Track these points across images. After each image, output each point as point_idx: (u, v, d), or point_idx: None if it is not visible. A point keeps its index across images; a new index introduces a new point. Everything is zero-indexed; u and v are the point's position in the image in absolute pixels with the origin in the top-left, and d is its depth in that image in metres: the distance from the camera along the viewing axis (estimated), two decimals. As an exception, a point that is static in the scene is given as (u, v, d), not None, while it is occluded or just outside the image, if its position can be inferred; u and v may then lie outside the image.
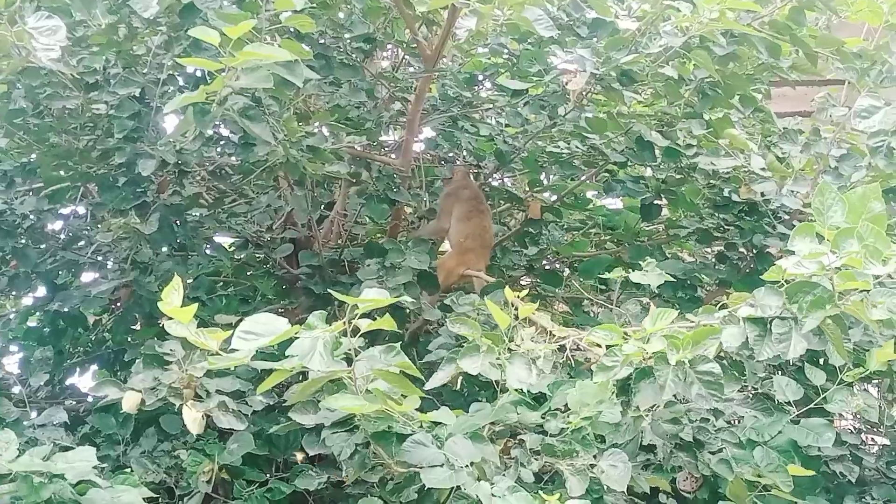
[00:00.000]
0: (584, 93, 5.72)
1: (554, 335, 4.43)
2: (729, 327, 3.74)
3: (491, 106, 6.51)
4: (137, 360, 4.74)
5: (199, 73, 5.54)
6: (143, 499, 4.42)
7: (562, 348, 4.35)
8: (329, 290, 4.14)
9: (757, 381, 5.20)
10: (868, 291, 3.49)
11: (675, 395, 3.95)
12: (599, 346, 4.14)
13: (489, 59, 6.45)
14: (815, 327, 3.59)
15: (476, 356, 4.06)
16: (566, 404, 4.20)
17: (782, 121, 6.40)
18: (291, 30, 4.56)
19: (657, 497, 4.77)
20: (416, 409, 3.91)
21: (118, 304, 6.58)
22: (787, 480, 4.39)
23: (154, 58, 5.31)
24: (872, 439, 6.12)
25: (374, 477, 4.29)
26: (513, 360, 4.10)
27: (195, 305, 3.76)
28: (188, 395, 4.37)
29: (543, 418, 4.17)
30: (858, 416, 5.59)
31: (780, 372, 5.31)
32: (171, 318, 3.79)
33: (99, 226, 6.16)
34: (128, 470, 4.78)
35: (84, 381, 6.78)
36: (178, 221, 5.96)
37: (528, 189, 7.14)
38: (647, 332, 3.85)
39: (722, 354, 3.89)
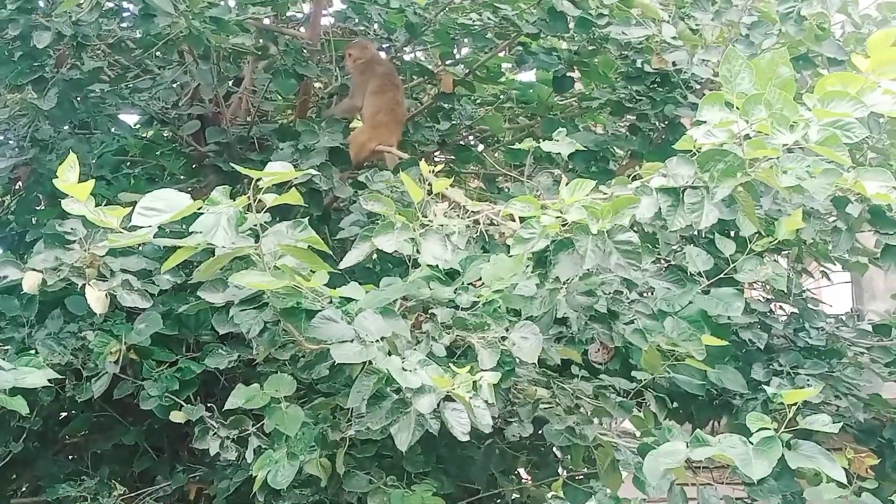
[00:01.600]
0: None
1: (468, 210, 4.37)
2: (643, 198, 3.71)
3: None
4: (39, 241, 4.64)
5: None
6: (49, 380, 4.36)
7: (476, 223, 4.30)
8: (234, 166, 4.04)
9: (669, 253, 5.22)
10: (777, 158, 3.48)
11: (589, 268, 3.93)
12: (514, 220, 4.09)
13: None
14: (726, 196, 3.57)
15: (390, 233, 3.99)
16: (479, 279, 4.17)
17: (695, -11, 6.32)
18: None
19: (569, 369, 4.80)
20: (326, 285, 3.85)
21: (19, 185, 6.40)
22: (699, 349, 4.42)
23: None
24: (781, 307, 6.21)
25: (285, 354, 4.26)
26: (427, 236, 4.04)
27: (92, 182, 3.63)
28: (91, 274, 4.27)
29: (456, 293, 4.14)
30: (767, 286, 5.65)
31: (691, 243, 5.33)
32: (69, 196, 3.67)
33: (-3, 102, 5.97)
34: (32, 352, 4.69)
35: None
36: (78, 97, 5.79)
37: (439, 62, 7.02)
38: (565, 202, 3.80)
39: (634, 227, 3.87)
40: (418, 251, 4.05)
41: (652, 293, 4.97)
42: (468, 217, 4.30)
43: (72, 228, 4.38)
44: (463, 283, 4.20)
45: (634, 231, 3.85)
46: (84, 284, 4.25)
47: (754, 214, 3.83)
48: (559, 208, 3.80)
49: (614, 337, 4.60)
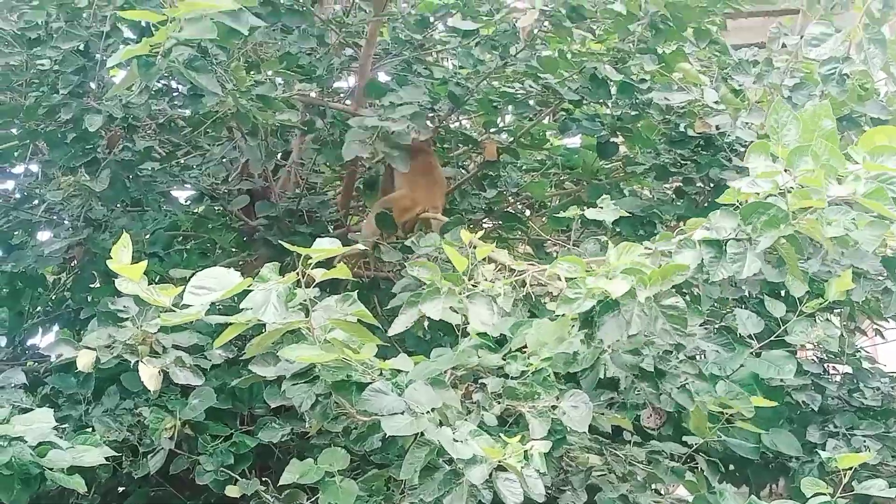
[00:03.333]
0: (533, 30, 5.66)
1: (514, 270, 4.39)
2: (685, 251, 3.72)
3: (443, 48, 6.43)
4: (93, 319, 4.71)
5: (143, 24, 5.43)
6: (106, 458, 4.41)
7: (522, 284, 4.31)
8: (281, 242, 4.09)
9: (720, 317, 5.21)
10: (822, 210, 3.48)
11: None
12: (560, 279, 4.10)
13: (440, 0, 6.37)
14: (770, 248, 3.58)
15: (437, 299, 4.01)
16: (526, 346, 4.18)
17: (738, 52, 6.36)
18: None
19: (621, 435, 4.78)
20: (377, 357, 3.89)
21: (74, 263, 6.50)
22: (748, 408, 4.40)
23: (97, 10, 5.21)
24: (834, 368, 6.16)
25: (338, 427, 4.26)
26: (474, 301, 4.05)
27: (144, 262, 3.71)
28: (144, 351, 4.33)
29: (504, 360, 4.15)
30: (819, 347, 5.61)
31: (741, 306, 5.31)
32: (122, 276, 3.74)
33: (50, 184, 6.08)
34: (89, 430, 4.75)
35: (45, 341, 6.71)
36: (129, 177, 5.89)
37: (483, 130, 7.09)
38: (611, 265, 3.81)
39: (683, 290, 3.87)
40: (466, 319, 4.07)
41: (703, 356, 4.97)
42: (514, 277, 4.32)
43: (124, 306, 4.45)
44: (511, 351, 4.22)
45: (683, 294, 3.86)
46: (137, 361, 4.31)
47: (798, 269, 3.82)
48: (606, 272, 3.82)
49: (663, 399, 4.58)
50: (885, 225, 3.56)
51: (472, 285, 4.07)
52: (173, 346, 4.47)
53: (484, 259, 4.27)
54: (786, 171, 3.50)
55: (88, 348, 4.37)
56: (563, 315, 3.87)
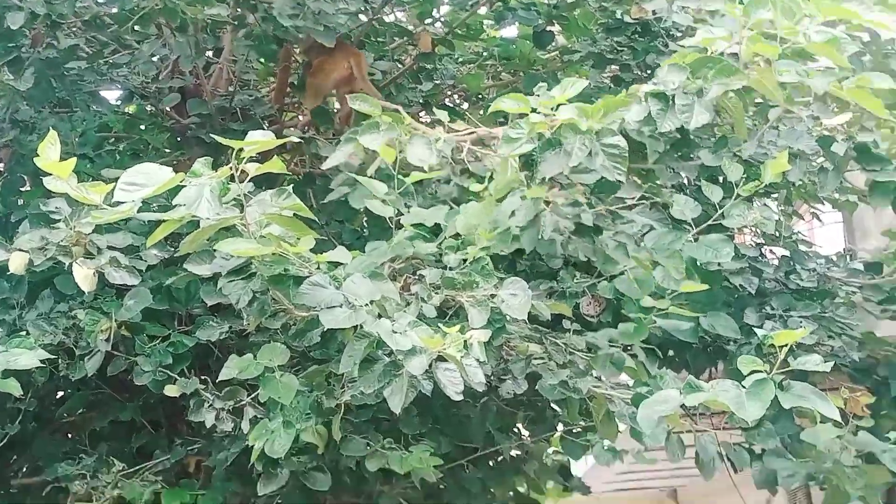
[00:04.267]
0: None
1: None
2: (633, 105, 3.71)
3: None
4: (25, 221, 4.61)
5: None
6: (42, 361, 4.36)
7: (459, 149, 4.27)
8: (214, 137, 4.01)
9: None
10: (776, 60, 3.50)
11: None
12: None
13: None
14: (716, 101, 3.60)
15: (376, 133, 3.99)
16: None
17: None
18: None
19: (561, 325, 4.79)
20: (313, 251, 3.84)
21: (2, 166, 6.36)
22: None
23: None
24: (771, 251, 6.20)
25: (276, 324, 4.24)
26: (413, 141, 4.03)
27: (74, 159, 3.61)
28: (78, 252, 4.24)
29: (439, 249, 4.12)
30: (756, 230, 5.64)
31: (679, 191, 5.31)
32: (51, 175, 3.64)
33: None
34: (24, 333, 4.68)
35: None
36: (56, 76, 5.75)
37: (418, 22, 6.98)
38: (555, 100, 3.78)
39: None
40: (399, 212, 4.03)
41: (642, 241, 4.98)
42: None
43: (56, 207, 4.35)
44: (446, 239, 4.19)
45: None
46: (71, 263, 4.22)
47: (743, 123, 3.86)
48: (550, 105, 3.79)
49: (601, 287, 4.60)
50: (835, 73, 3.59)
51: (413, 128, 4.04)
52: (108, 247, 4.38)
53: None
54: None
55: (21, 251, 4.27)
56: (489, 195, 3.86)
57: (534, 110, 3.81)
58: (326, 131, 5.95)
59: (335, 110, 6.53)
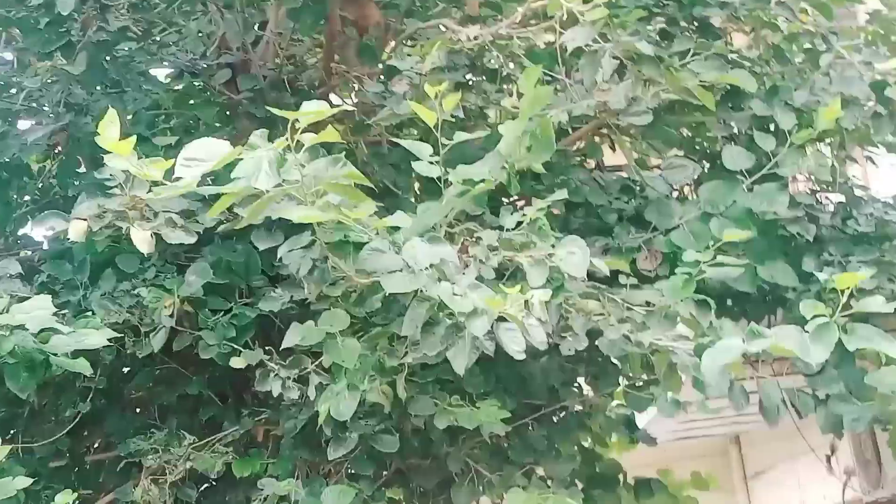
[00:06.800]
0: None
1: None
2: None
3: None
4: (82, 193, 4.66)
5: None
6: (109, 339, 4.44)
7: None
8: (269, 109, 4.05)
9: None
10: None
11: None
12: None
13: None
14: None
15: None
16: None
17: None
18: None
19: (617, 279, 4.80)
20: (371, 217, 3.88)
21: (59, 150, 6.45)
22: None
23: None
24: (827, 198, 6.16)
25: (337, 291, 4.29)
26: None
27: (134, 137, 3.67)
28: (134, 216, 4.27)
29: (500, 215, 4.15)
30: (811, 178, 5.60)
31: (731, 142, 5.29)
32: (110, 153, 3.70)
33: (27, 70, 5.99)
34: (90, 313, 4.77)
35: (36, 230, 6.68)
36: (107, 58, 5.80)
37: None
38: None
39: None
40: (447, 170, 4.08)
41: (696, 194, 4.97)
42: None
43: (111, 175, 4.38)
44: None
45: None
46: (129, 228, 4.25)
47: None
48: None
49: (657, 241, 4.61)
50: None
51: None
52: (163, 210, 4.43)
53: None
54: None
55: (79, 219, 4.33)
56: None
57: None
58: (373, 69, 5.97)
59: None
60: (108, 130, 3.64)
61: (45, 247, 5.81)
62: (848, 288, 3.53)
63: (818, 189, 5.77)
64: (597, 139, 5.96)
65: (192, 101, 6.82)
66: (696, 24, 5.92)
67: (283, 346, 4.60)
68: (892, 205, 5.88)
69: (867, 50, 5.28)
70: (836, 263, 5.12)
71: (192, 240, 4.47)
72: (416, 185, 5.90)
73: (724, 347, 3.70)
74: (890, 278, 5.07)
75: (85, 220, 4.33)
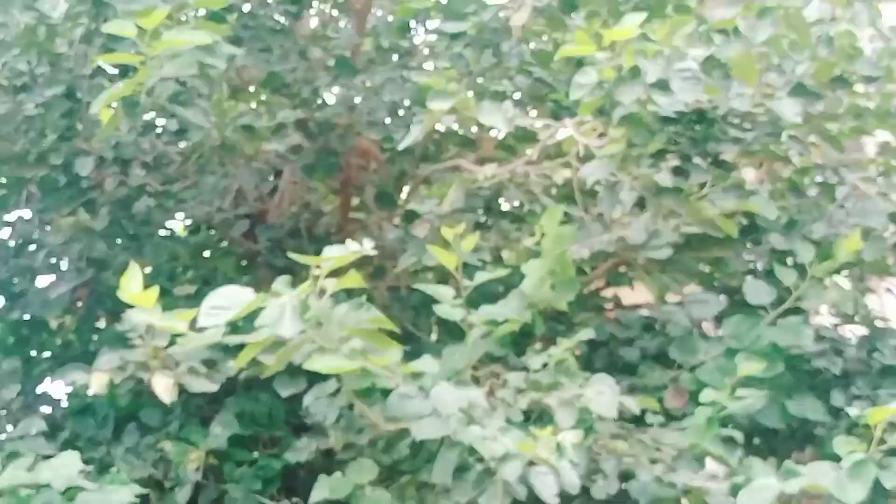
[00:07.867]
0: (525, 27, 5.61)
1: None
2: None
3: (430, 52, 6.39)
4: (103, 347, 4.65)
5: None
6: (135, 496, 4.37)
7: None
8: (293, 256, 4.06)
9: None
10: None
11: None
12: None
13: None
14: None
15: (445, 97, 4.11)
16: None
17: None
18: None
19: (643, 418, 4.75)
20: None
21: (79, 305, 6.46)
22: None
23: (77, 51, 5.18)
24: (850, 331, 6.13)
25: (363, 439, 4.25)
26: (482, 104, 4.34)
27: (156, 288, 3.69)
28: (156, 366, 4.25)
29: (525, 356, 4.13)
30: (832, 311, 5.59)
31: (751, 276, 5.29)
32: (133, 307, 3.71)
33: (48, 228, 6.04)
34: (114, 469, 4.71)
35: (56, 387, 6.66)
36: (126, 216, 5.86)
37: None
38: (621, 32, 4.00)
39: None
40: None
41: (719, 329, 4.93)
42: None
43: (131, 326, 4.36)
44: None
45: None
46: (151, 379, 4.23)
47: None
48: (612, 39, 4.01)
49: (682, 378, 4.57)
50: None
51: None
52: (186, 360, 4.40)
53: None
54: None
55: (100, 371, 4.31)
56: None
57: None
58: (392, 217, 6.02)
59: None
60: (131, 283, 3.66)
61: (64, 404, 5.76)
62: (880, 422, 3.49)
63: (840, 322, 5.75)
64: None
65: (209, 253, 6.86)
66: (709, 159, 5.98)
67: (311, 501, 4.52)
68: (916, 336, 5.84)
69: (882, 180, 5.31)
70: (865, 397, 5.06)
71: (215, 388, 4.44)
72: (435, 328, 5.88)
73: (760, 487, 3.65)
74: (920, 412, 5.01)
75: (107, 372, 4.31)
